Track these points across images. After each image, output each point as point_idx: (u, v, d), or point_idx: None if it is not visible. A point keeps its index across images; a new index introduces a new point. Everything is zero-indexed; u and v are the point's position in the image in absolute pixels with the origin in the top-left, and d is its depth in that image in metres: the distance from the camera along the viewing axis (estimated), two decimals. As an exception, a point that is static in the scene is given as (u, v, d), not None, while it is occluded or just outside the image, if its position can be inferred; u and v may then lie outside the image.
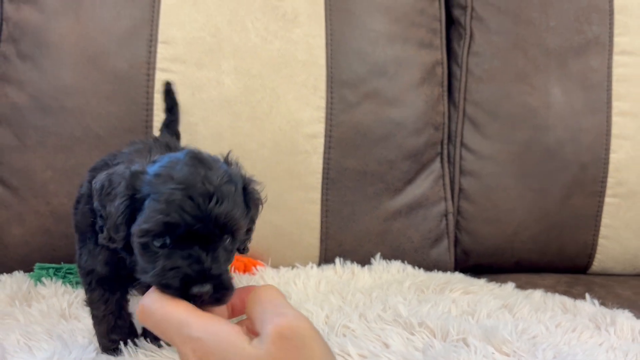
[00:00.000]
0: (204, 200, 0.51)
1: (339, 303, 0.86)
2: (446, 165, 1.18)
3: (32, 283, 0.88)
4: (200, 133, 1.00)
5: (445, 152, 1.19)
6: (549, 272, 1.20)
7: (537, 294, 0.95)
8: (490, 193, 1.18)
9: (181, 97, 0.99)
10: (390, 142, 1.09)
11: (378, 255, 1.07)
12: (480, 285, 0.98)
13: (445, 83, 1.20)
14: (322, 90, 1.05)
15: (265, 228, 1.04)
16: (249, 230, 0.61)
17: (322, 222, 1.05)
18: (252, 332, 0.46)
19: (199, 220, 0.50)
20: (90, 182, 0.67)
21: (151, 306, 0.47)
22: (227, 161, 0.59)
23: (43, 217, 0.98)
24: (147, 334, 0.71)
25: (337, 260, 1.05)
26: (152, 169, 0.54)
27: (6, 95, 1.00)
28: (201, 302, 0.49)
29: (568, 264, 1.20)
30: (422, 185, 1.13)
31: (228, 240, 0.54)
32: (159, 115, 0.98)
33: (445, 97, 1.20)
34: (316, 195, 1.05)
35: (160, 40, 1.00)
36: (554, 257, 1.20)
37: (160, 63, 1.00)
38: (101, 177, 0.57)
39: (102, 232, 0.56)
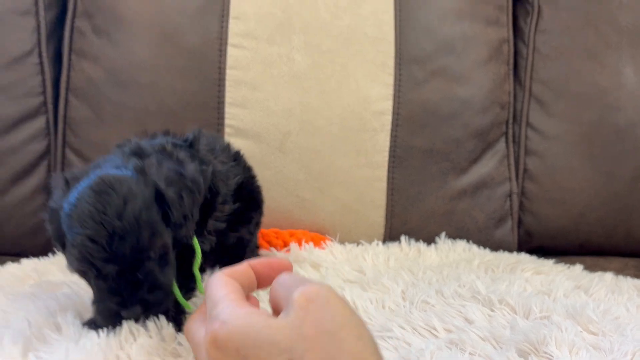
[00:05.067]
0: (109, 241, 0.52)
1: (411, 279, 0.86)
2: (511, 145, 1.17)
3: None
4: (270, 109, 1.00)
5: (510, 131, 1.17)
6: (615, 255, 1.17)
7: (608, 277, 0.94)
8: (555, 174, 1.16)
9: (253, 73, 1.00)
10: (457, 121, 1.08)
11: (443, 235, 1.07)
12: (549, 266, 0.97)
13: (511, 61, 1.18)
14: (391, 67, 1.05)
15: (331, 204, 1.05)
16: (182, 224, 0.59)
17: (388, 200, 1.06)
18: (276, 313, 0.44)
19: (107, 261, 0.53)
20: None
21: None
22: (139, 170, 0.58)
23: (118, 189, 1.00)
24: None
25: (402, 238, 1.05)
26: (66, 204, 0.55)
27: (82, 69, 1.02)
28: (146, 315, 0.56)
29: (635, 247, 1.18)
30: (487, 165, 1.12)
31: (155, 257, 0.56)
32: (230, 91, 1.00)
33: (511, 76, 1.17)
34: (382, 173, 1.05)
35: (232, 16, 1.01)
36: (621, 240, 1.17)
37: (232, 39, 1.01)
38: (50, 201, 0.60)
39: None
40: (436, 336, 0.65)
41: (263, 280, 0.48)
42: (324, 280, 0.82)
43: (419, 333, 0.66)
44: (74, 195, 0.55)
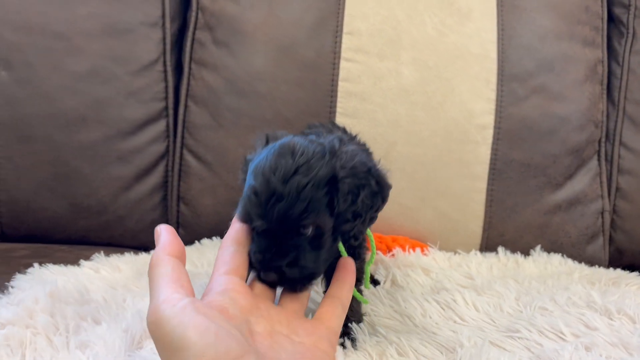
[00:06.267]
0: (267, 198, 0.53)
1: (520, 287, 0.89)
2: (603, 163, 1.19)
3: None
4: (378, 120, 1.06)
5: (602, 149, 1.19)
6: None
7: None
8: (649, 193, 1.17)
9: (363, 85, 1.06)
10: (555, 137, 1.11)
11: (538, 247, 1.10)
12: (650, 283, 0.99)
13: (605, 81, 1.20)
14: (493, 83, 1.09)
15: (431, 213, 1.09)
16: (348, 220, 0.58)
17: (486, 211, 1.09)
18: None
19: (261, 217, 0.54)
20: None
21: None
22: (330, 150, 0.57)
23: (233, 190, 1.07)
24: None
25: (499, 249, 1.08)
26: (256, 158, 0.58)
27: (203, 78, 1.10)
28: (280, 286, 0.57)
29: None
30: (581, 182, 1.14)
31: (308, 233, 0.55)
32: (342, 102, 1.06)
33: (605, 95, 1.20)
34: (482, 184, 1.08)
35: (345, 32, 1.07)
36: None
37: (344, 53, 1.07)
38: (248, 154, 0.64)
39: None
40: (564, 339, 0.69)
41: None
42: (438, 284, 0.87)
43: (546, 336, 0.69)
44: (264, 151, 0.57)
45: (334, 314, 0.56)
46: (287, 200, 0.53)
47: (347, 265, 0.62)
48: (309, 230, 0.56)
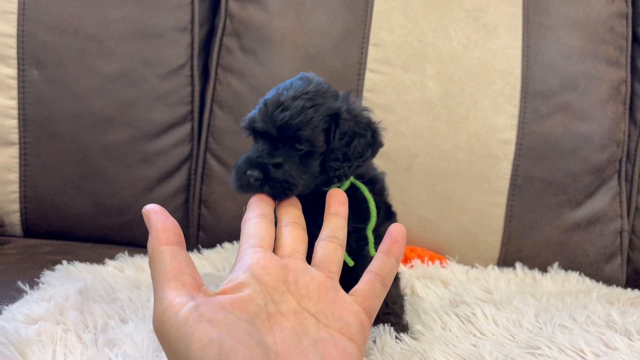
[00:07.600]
0: (272, 108, 0.61)
1: (539, 304, 0.89)
2: (624, 182, 1.19)
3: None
4: (401, 131, 1.07)
5: (623, 169, 1.19)
6: None
7: None
8: (668, 214, 1.17)
9: (387, 97, 1.07)
10: (577, 155, 1.12)
11: (556, 265, 1.10)
12: (669, 304, 0.98)
13: (628, 101, 1.20)
14: (517, 100, 1.09)
15: (450, 226, 1.09)
16: (338, 158, 0.63)
17: (505, 226, 1.09)
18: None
19: (263, 121, 0.61)
20: None
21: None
22: (344, 95, 0.66)
23: (254, 196, 1.08)
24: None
25: (517, 264, 1.08)
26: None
27: (229, 83, 1.12)
28: (261, 191, 0.58)
29: None
30: (601, 201, 1.14)
31: (301, 149, 0.61)
32: (366, 112, 1.07)
33: (627, 115, 1.20)
34: (502, 200, 1.09)
35: (371, 43, 1.08)
36: None
37: (370, 64, 1.08)
38: None
39: None
40: (584, 358, 0.69)
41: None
42: (457, 297, 0.87)
43: (567, 354, 0.69)
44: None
45: (371, 293, 0.51)
46: (290, 112, 0.60)
47: (397, 233, 0.54)
48: (303, 146, 0.61)
